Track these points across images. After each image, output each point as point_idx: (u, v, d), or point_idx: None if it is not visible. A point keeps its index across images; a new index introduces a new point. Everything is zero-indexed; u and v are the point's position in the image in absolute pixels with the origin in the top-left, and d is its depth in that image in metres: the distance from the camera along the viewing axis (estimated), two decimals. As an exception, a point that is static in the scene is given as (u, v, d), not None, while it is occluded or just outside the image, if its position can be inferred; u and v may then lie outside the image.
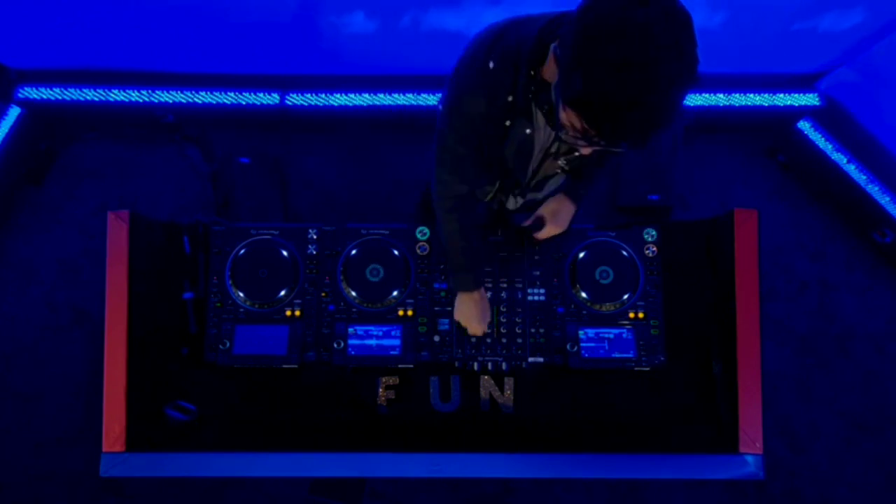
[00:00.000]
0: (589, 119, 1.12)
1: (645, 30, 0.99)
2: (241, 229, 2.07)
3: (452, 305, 2.01)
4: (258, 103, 2.99)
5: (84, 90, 2.95)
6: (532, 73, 1.30)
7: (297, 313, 2.02)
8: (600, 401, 1.99)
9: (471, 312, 1.89)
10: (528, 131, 1.47)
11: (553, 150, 1.59)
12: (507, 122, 1.43)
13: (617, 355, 1.96)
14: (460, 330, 1.96)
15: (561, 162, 1.68)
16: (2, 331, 2.96)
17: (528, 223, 1.95)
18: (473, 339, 1.98)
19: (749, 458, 1.85)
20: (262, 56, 2.89)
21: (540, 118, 1.44)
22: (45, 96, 2.94)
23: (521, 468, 1.91)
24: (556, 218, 1.91)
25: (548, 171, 1.74)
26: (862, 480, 2.91)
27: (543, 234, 1.93)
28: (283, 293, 2.02)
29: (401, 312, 2.02)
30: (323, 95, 2.98)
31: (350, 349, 1.97)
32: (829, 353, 3.00)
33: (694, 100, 3.00)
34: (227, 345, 1.96)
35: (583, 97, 1.08)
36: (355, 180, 3.14)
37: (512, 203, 1.91)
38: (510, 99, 1.36)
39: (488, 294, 2.02)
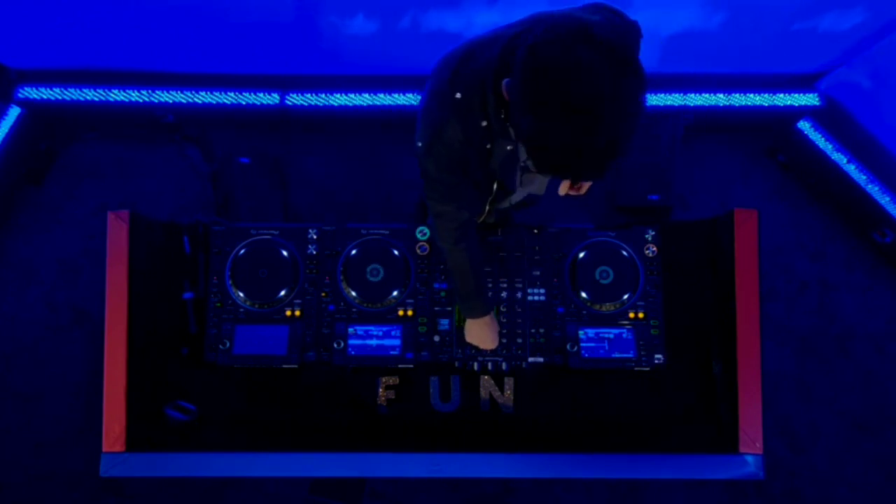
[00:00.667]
0: (540, 160, 1.14)
1: (587, 74, 1.00)
2: (241, 229, 2.07)
3: (452, 305, 2.02)
4: (258, 103, 2.99)
5: (84, 90, 2.94)
6: (500, 92, 1.28)
7: (297, 313, 2.02)
8: (600, 401, 1.99)
9: (483, 334, 1.90)
10: (509, 147, 1.48)
11: (526, 164, 1.60)
12: (488, 146, 1.44)
13: (617, 355, 1.96)
14: (472, 348, 1.97)
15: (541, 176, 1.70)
16: (2, 331, 2.96)
17: (562, 189, 1.89)
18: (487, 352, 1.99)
19: (749, 458, 1.85)
20: (262, 56, 2.89)
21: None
22: (45, 96, 2.94)
23: (521, 468, 1.91)
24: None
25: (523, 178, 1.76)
26: (862, 480, 2.91)
27: (585, 189, 1.88)
28: (283, 293, 2.02)
29: (401, 312, 2.02)
30: (323, 95, 2.98)
31: (350, 349, 1.97)
32: (829, 353, 3.00)
33: (694, 100, 3.00)
34: (227, 345, 1.97)
35: (533, 141, 1.10)
36: (355, 180, 3.14)
37: (506, 203, 1.92)
38: (484, 124, 1.36)
39: (488, 294, 2.02)
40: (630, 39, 1.05)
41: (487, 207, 1.81)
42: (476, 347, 1.96)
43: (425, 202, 1.57)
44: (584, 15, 1.08)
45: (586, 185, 1.87)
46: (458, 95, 1.33)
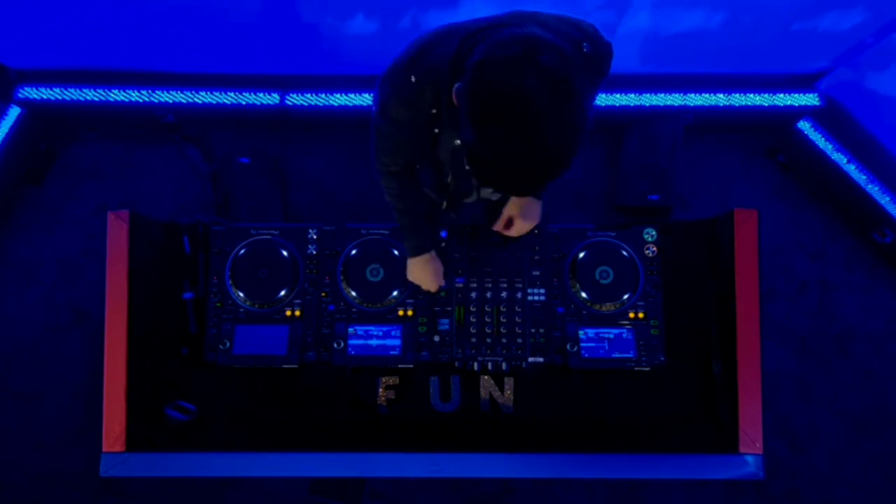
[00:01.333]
0: (479, 172, 1.17)
1: (528, 99, 1.03)
2: (241, 229, 2.07)
3: (452, 305, 2.02)
4: (258, 103, 2.99)
5: (84, 90, 2.94)
6: (453, 88, 1.31)
7: (297, 313, 2.02)
8: (600, 401, 1.99)
9: (422, 274, 1.92)
10: (457, 142, 1.50)
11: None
12: (436, 130, 1.47)
13: (617, 355, 1.96)
14: (414, 288, 2.00)
15: None
16: (2, 331, 2.96)
17: (497, 226, 1.92)
18: (428, 294, 2.01)
19: (749, 458, 1.85)
20: (262, 56, 2.89)
21: None
22: (45, 96, 2.94)
23: (521, 468, 1.91)
24: (524, 213, 1.85)
25: None
26: (862, 480, 2.91)
27: (515, 231, 1.89)
28: (283, 293, 2.02)
29: (401, 312, 2.02)
30: (323, 95, 2.98)
31: (350, 349, 1.97)
32: (829, 353, 3.00)
33: (694, 100, 3.00)
34: (227, 345, 1.97)
35: (473, 154, 1.13)
36: (355, 180, 3.14)
37: (472, 198, 1.93)
38: (434, 112, 1.39)
39: (488, 294, 2.02)
40: (572, 65, 1.07)
41: (445, 202, 1.83)
42: (418, 287, 1.98)
43: (372, 144, 1.62)
44: (541, 32, 1.10)
45: (520, 228, 1.87)
46: (413, 79, 1.35)
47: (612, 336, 1.98)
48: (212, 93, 2.97)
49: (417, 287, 2.01)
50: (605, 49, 1.44)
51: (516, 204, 1.86)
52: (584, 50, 1.31)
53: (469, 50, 1.21)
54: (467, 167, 1.54)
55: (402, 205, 1.77)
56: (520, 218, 1.86)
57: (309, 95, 2.98)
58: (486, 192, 1.90)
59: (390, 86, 1.41)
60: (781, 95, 3.02)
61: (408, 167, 1.68)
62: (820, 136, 2.99)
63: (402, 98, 1.39)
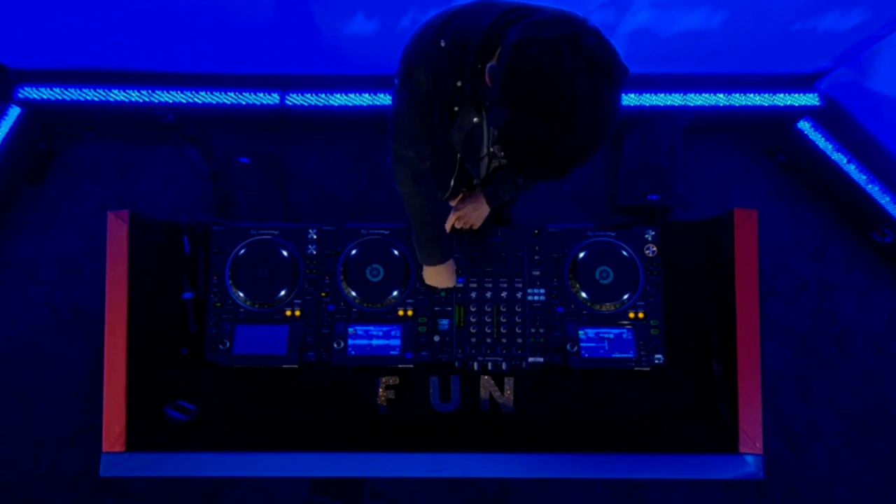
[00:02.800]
0: (510, 152, 1.16)
1: (569, 81, 1.01)
2: (241, 229, 2.07)
3: (452, 305, 2.02)
4: (258, 103, 2.99)
5: (84, 90, 2.94)
6: (479, 66, 1.30)
7: (297, 313, 2.02)
8: (600, 401, 1.99)
9: (441, 278, 1.94)
10: (475, 119, 1.48)
11: (493, 149, 1.62)
12: (456, 108, 1.44)
13: (617, 355, 1.96)
14: (430, 290, 2.01)
15: (494, 162, 1.71)
16: (2, 331, 2.96)
17: (448, 224, 1.99)
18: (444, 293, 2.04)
19: (749, 458, 1.85)
20: (262, 56, 2.89)
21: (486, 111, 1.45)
22: (45, 96, 2.94)
23: (521, 468, 1.91)
24: (468, 218, 1.98)
25: (491, 168, 1.77)
26: (862, 480, 2.91)
27: (467, 220, 1.98)
28: (283, 293, 2.02)
29: (401, 312, 2.02)
30: (323, 95, 2.98)
31: (350, 349, 1.97)
32: (829, 353, 3.00)
33: (694, 100, 3.00)
34: (227, 345, 1.96)
35: (506, 133, 1.12)
36: (355, 180, 3.14)
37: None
38: (458, 84, 1.36)
39: (488, 294, 2.02)
40: (616, 53, 1.06)
41: (452, 183, 1.82)
42: (434, 289, 2.00)
43: (390, 144, 1.57)
44: (581, 21, 1.09)
45: (468, 219, 1.96)
46: (443, 43, 1.33)
47: (612, 336, 1.98)
48: (212, 93, 2.97)
49: (418, 287, 2.01)
50: (624, 74, 1.44)
51: (466, 208, 1.97)
52: None
53: (504, 26, 1.20)
54: (491, 149, 1.55)
55: (429, 214, 1.73)
56: (467, 218, 1.97)
57: (309, 95, 2.98)
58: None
59: (417, 47, 1.39)
60: (781, 95, 3.02)
61: (420, 160, 1.61)
62: (820, 136, 2.99)
63: (427, 60, 1.36)
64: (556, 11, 1.10)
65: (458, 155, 1.66)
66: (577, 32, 1.03)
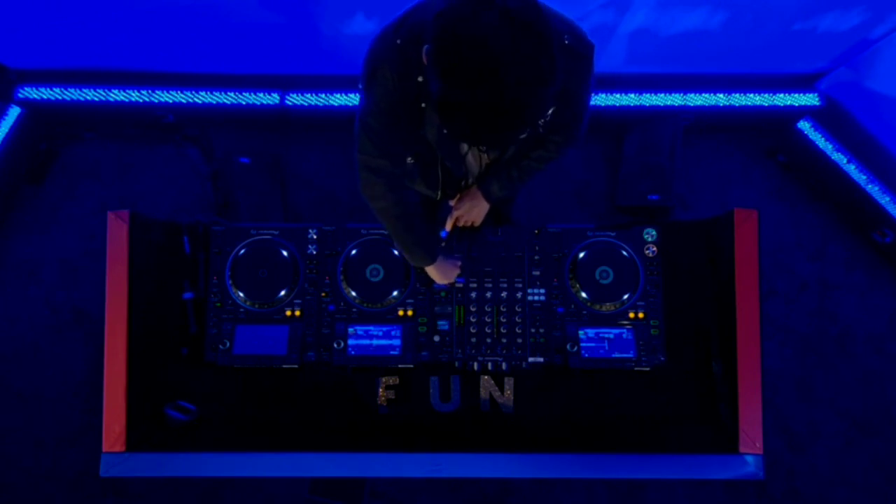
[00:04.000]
0: (449, 126, 1.17)
1: (486, 42, 1.02)
2: (241, 229, 2.07)
3: (452, 305, 2.02)
4: (258, 103, 2.99)
5: (84, 90, 2.94)
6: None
7: (297, 313, 2.02)
8: (600, 401, 1.99)
9: (440, 274, 1.93)
10: None
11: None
12: (423, 104, 1.45)
13: (617, 355, 1.96)
14: (430, 290, 2.02)
15: (485, 157, 1.70)
16: (2, 331, 2.96)
17: (449, 223, 2.00)
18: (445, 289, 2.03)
19: (749, 458, 1.85)
20: (262, 56, 2.89)
21: None
22: (45, 96, 2.94)
23: (521, 468, 1.91)
24: (468, 216, 1.97)
25: (483, 163, 1.76)
26: (862, 480, 2.91)
27: (452, 223, 1.98)
28: (283, 293, 2.02)
29: (401, 312, 2.02)
30: (323, 95, 2.98)
31: (350, 349, 1.97)
32: (829, 353, 3.00)
33: (694, 100, 3.00)
34: (227, 345, 1.96)
35: (441, 106, 1.12)
36: (355, 180, 3.13)
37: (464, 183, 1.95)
38: (420, 80, 1.36)
39: (488, 294, 2.02)
40: (536, 10, 1.06)
41: (440, 182, 1.82)
42: (434, 285, 2.00)
43: (357, 160, 1.55)
44: None
45: (468, 217, 1.96)
46: (399, 42, 1.35)
47: (612, 336, 1.98)
48: (212, 93, 2.97)
49: (418, 287, 2.02)
50: (586, 48, 1.43)
51: (465, 207, 1.96)
52: (565, 41, 1.32)
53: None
54: (441, 127, 1.53)
55: (403, 224, 1.69)
56: (466, 217, 1.97)
57: (309, 95, 2.98)
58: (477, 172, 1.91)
59: (378, 49, 1.40)
60: (781, 95, 3.02)
61: (392, 167, 1.58)
62: (820, 136, 2.99)
63: (388, 60, 1.37)
64: None
65: (436, 154, 1.66)
66: None
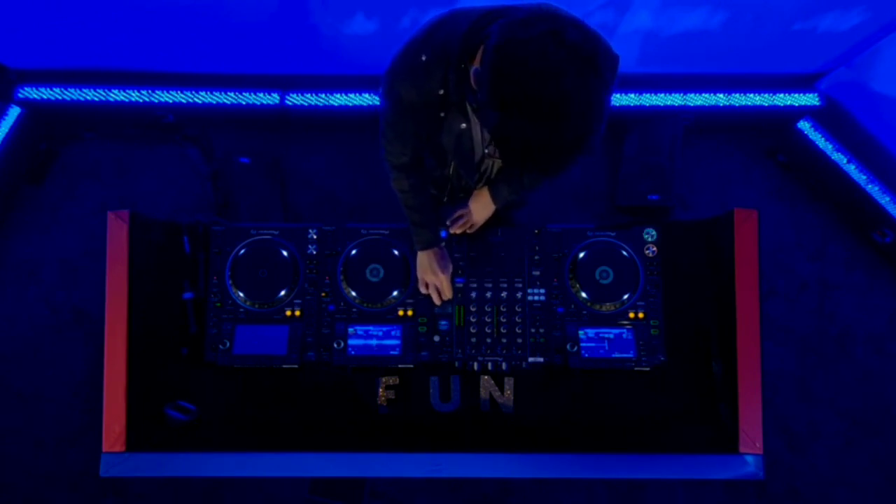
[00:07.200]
0: (505, 154, 1.17)
1: (555, 79, 1.01)
2: (241, 229, 2.07)
3: (452, 305, 2.02)
4: (258, 103, 2.99)
5: (84, 90, 2.95)
6: (463, 66, 1.31)
7: (297, 313, 2.02)
8: (600, 401, 1.99)
9: (430, 266, 1.94)
10: (463, 125, 1.50)
11: (488, 150, 1.62)
12: (442, 114, 1.47)
13: (617, 355, 1.96)
14: (425, 292, 2.01)
15: (497, 163, 1.72)
16: (2, 331, 2.96)
17: (453, 227, 2.01)
18: (439, 304, 2.01)
19: (749, 458, 1.85)
20: (262, 56, 2.89)
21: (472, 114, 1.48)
22: (45, 96, 2.94)
23: (521, 468, 1.91)
24: (472, 216, 1.99)
25: (493, 168, 1.77)
26: (862, 480, 2.91)
27: (458, 228, 2.01)
28: (283, 293, 2.02)
29: (401, 312, 2.02)
30: (323, 95, 2.98)
31: (350, 349, 1.97)
32: (829, 353, 3.00)
33: (694, 100, 3.00)
34: (227, 345, 1.96)
35: (498, 134, 1.12)
36: (355, 180, 3.14)
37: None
38: (441, 93, 1.38)
39: (488, 294, 2.02)
40: (599, 41, 1.06)
41: (446, 197, 1.85)
42: (428, 296, 2.01)
43: (381, 131, 1.61)
44: (560, 14, 1.08)
45: (471, 217, 1.98)
46: (424, 58, 1.36)
47: (612, 336, 1.98)
48: (212, 93, 2.97)
49: (418, 287, 2.01)
50: (613, 61, 1.44)
51: (473, 207, 1.98)
52: None
53: (482, 28, 1.21)
54: (486, 150, 1.56)
55: (413, 201, 1.77)
56: (475, 211, 1.98)
57: (309, 95, 2.98)
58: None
59: (400, 66, 1.41)
60: (781, 95, 3.02)
61: (416, 159, 1.67)
62: (820, 136, 2.99)
63: (410, 77, 1.39)
64: (532, 8, 1.10)
65: (450, 160, 1.67)
66: (558, 27, 1.02)
